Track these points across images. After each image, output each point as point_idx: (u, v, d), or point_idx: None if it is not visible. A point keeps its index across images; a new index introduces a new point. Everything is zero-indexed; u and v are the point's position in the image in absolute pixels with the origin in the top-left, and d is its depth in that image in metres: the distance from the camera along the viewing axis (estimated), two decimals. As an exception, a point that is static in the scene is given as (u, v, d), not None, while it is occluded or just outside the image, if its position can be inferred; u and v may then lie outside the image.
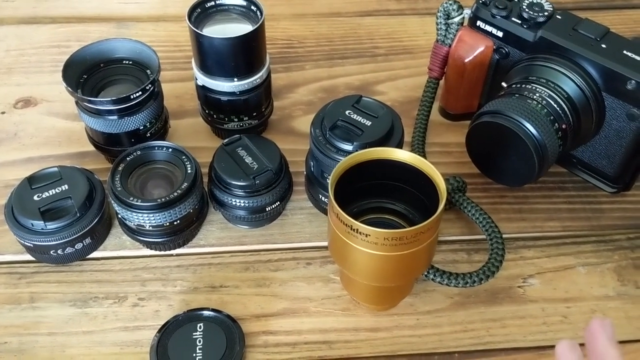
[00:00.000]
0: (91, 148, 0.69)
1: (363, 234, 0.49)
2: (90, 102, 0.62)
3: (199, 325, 0.56)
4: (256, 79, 0.66)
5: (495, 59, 0.67)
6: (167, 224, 0.59)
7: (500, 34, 0.65)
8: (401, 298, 0.60)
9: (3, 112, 0.75)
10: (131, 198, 0.58)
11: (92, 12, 0.88)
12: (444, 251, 0.64)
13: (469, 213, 0.64)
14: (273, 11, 0.86)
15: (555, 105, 0.60)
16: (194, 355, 0.54)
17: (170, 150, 0.62)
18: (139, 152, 0.61)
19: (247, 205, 0.61)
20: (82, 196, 0.59)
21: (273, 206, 0.63)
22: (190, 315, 0.57)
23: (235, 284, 0.62)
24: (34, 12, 0.87)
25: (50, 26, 0.85)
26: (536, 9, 0.63)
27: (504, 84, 0.65)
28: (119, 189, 0.59)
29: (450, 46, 0.68)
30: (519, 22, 0.64)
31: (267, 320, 0.59)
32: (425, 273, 0.59)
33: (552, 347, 0.58)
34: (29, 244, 0.59)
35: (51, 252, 0.60)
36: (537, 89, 0.61)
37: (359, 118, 0.60)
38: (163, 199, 0.58)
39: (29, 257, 0.62)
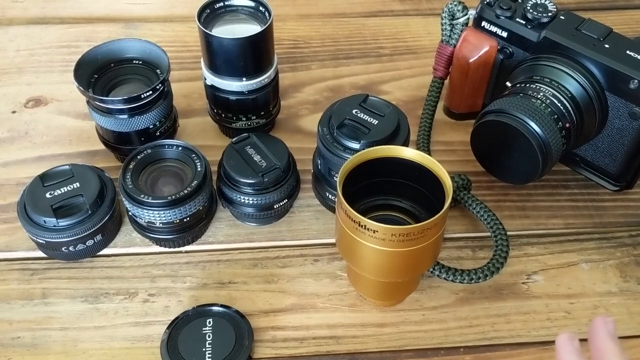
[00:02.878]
0: (101, 147, 0.70)
1: (371, 230, 0.50)
2: (101, 101, 0.63)
3: (208, 320, 0.57)
4: (264, 78, 0.67)
5: (499, 59, 0.67)
6: (177, 221, 0.60)
7: (504, 34, 0.66)
8: (407, 294, 0.61)
9: (14, 112, 0.76)
10: (142, 195, 0.59)
11: (100, 13, 0.88)
12: (449, 248, 0.65)
13: (473, 210, 0.64)
14: (279, 12, 0.86)
15: (559, 105, 0.61)
16: (204, 350, 0.55)
17: (180, 148, 0.63)
18: (149, 151, 0.62)
19: (255, 202, 0.62)
20: (93, 194, 0.60)
21: (281, 204, 0.64)
22: (200, 311, 0.58)
23: (243, 280, 0.62)
24: (42, 13, 0.88)
25: (59, 26, 0.86)
26: (540, 9, 0.64)
27: (508, 84, 0.65)
28: (130, 186, 0.59)
29: (454, 46, 0.69)
30: (523, 22, 0.64)
31: (275, 315, 0.60)
32: (431, 269, 0.60)
33: (556, 342, 0.59)
34: (41, 241, 0.60)
35: (63, 248, 0.60)
36: (541, 89, 0.61)
37: (366, 117, 0.60)
38: (173, 197, 0.59)
39: (40, 253, 0.63)
